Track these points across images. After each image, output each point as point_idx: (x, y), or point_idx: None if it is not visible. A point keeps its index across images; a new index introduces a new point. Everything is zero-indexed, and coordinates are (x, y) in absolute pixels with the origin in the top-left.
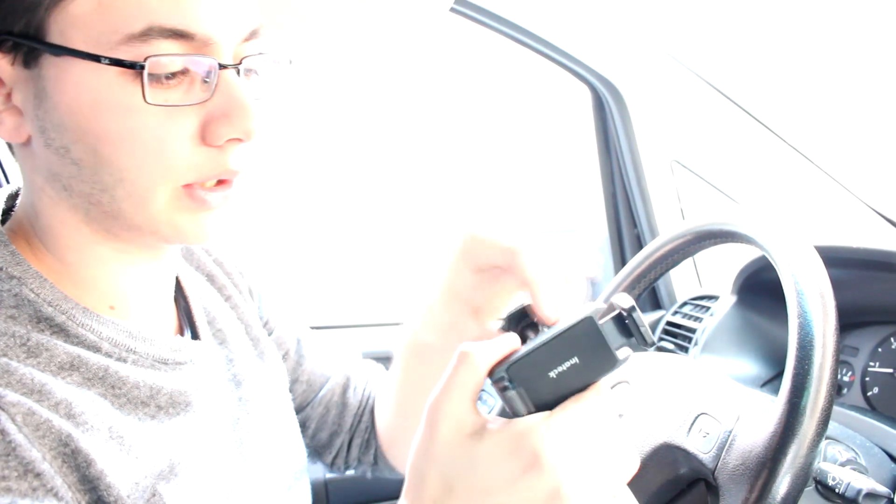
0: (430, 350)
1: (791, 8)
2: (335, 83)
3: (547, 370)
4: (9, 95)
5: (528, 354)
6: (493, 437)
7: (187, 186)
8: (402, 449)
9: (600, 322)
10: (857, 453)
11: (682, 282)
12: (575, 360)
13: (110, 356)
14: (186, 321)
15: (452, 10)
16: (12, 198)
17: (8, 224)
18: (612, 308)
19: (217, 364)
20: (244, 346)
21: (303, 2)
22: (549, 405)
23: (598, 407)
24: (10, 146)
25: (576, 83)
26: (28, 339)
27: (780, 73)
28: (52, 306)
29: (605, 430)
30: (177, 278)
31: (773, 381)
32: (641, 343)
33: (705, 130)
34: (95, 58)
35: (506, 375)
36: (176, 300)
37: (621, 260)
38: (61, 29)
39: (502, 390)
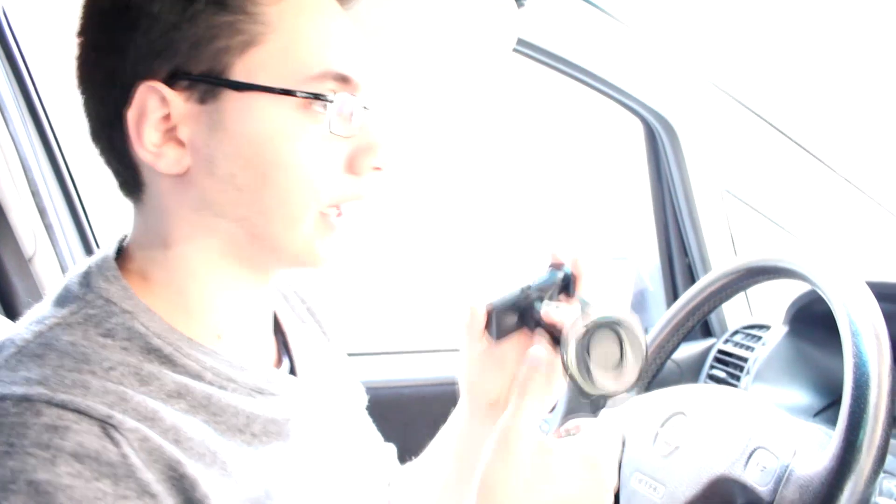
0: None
1: (842, 38)
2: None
3: None
4: (171, 129)
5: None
6: (564, 451)
7: (323, 213)
8: None
9: None
10: None
11: (733, 310)
12: None
13: (212, 384)
14: (285, 353)
15: (514, 49)
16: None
17: (118, 261)
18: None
19: (312, 396)
20: (337, 381)
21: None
22: None
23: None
24: (125, 187)
25: (629, 116)
26: (140, 369)
27: (832, 103)
28: (160, 338)
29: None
30: (275, 315)
31: (825, 412)
32: None
33: (756, 161)
34: (288, 92)
35: None
36: (275, 334)
37: (672, 288)
38: (248, 69)
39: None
